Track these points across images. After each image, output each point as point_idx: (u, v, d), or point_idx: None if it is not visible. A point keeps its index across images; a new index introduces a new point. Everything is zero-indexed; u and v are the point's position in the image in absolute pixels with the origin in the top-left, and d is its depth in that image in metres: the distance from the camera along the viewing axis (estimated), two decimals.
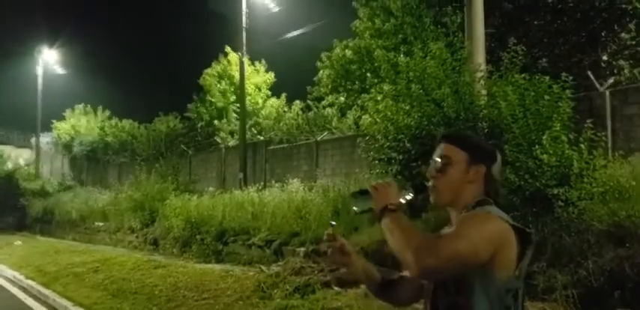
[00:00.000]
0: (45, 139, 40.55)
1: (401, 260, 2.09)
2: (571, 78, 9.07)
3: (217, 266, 13.14)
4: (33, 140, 41.71)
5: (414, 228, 2.16)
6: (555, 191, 7.80)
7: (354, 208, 2.42)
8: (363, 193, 2.39)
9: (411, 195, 2.40)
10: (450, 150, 2.37)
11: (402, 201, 2.35)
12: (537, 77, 9.25)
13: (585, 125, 8.29)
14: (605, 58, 16.31)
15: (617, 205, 7.58)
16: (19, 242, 23.39)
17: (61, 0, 49.63)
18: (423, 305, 2.38)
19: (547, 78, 9.11)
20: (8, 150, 40.98)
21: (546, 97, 8.74)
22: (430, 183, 2.38)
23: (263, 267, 11.49)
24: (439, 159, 2.37)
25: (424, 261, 2.00)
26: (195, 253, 15.20)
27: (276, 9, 24.22)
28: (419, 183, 2.43)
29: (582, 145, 8.04)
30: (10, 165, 37.82)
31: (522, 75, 9.43)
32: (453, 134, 2.54)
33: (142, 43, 47.25)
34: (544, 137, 8.11)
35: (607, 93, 12.00)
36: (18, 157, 40.38)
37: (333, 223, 2.67)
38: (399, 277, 2.57)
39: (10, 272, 15.41)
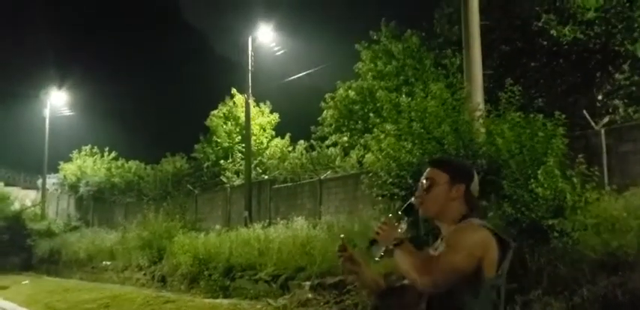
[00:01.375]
0: (51, 180, 40.85)
1: (410, 280, 2.57)
2: (564, 116, 9.53)
3: (225, 301, 13.40)
4: (39, 181, 42.03)
5: (418, 253, 2.61)
6: (550, 222, 8.17)
7: (375, 258, 2.79)
8: (373, 242, 2.78)
9: (405, 224, 2.81)
10: (433, 173, 2.82)
11: (401, 229, 2.77)
12: (533, 115, 9.72)
13: (577, 160, 8.72)
14: (600, 97, 16.81)
15: (609, 236, 7.95)
16: (26, 282, 23.55)
17: (70, 42, 50.54)
18: (420, 305, 2.78)
19: (541, 116, 9.57)
20: (15, 191, 41.24)
21: (540, 134, 9.18)
22: (418, 200, 2.82)
23: (270, 301, 11.77)
24: (424, 181, 2.83)
25: (428, 278, 2.46)
26: (203, 289, 15.45)
27: (281, 52, 24.87)
28: (405, 206, 2.85)
29: (575, 179, 8.45)
30: (16, 206, 38.03)
31: (518, 113, 9.89)
32: (436, 159, 3.06)
33: (148, 85, 47.99)
34: (539, 171, 8.52)
35: (602, 131, 12.42)
36: (24, 198, 40.61)
37: (342, 236, 3.09)
38: (401, 285, 2.97)
39: None
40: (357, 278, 3.05)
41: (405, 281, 2.90)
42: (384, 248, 2.74)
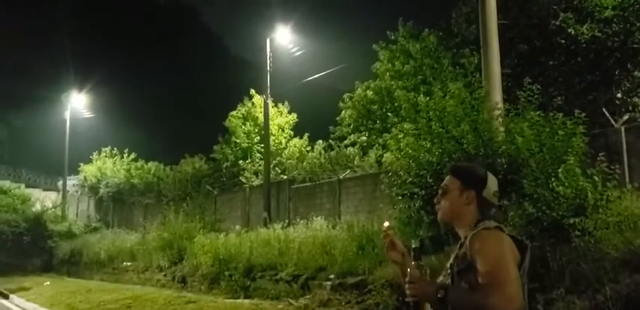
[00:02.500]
0: (71, 182, 41.18)
1: None
2: (584, 114, 9.51)
3: (246, 301, 13.47)
4: (60, 183, 42.38)
5: (464, 289, 2.66)
6: (572, 221, 8.17)
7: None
8: (417, 307, 2.81)
9: (417, 243, 2.95)
10: (448, 180, 2.99)
11: (413, 246, 2.92)
12: (552, 114, 9.71)
13: (598, 159, 8.70)
14: (619, 95, 16.72)
15: (632, 234, 7.93)
16: (47, 283, 23.74)
17: (90, 46, 50.92)
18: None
19: (561, 115, 9.56)
20: (36, 193, 41.62)
21: (560, 133, 9.17)
22: (436, 206, 3.00)
23: (291, 301, 11.82)
24: (441, 188, 3.00)
25: (500, 299, 2.47)
26: (223, 289, 15.53)
27: (299, 52, 24.93)
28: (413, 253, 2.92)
29: (596, 177, 8.43)
30: (38, 208, 38.38)
31: (538, 112, 9.88)
32: (453, 166, 3.15)
33: (168, 86, 48.23)
34: (559, 170, 8.52)
35: (622, 129, 12.38)
36: (45, 200, 40.93)
37: (386, 223, 3.20)
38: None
39: None
40: (400, 269, 3.10)
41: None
42: (429, 305, 2.81)
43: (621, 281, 7.15)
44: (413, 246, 2.91)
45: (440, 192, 2.99)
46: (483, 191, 2.89)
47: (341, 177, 19.34)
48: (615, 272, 7.35)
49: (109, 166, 38.09)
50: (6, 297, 20.50)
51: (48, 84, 45.83)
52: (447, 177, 3.01)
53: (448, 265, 2.90)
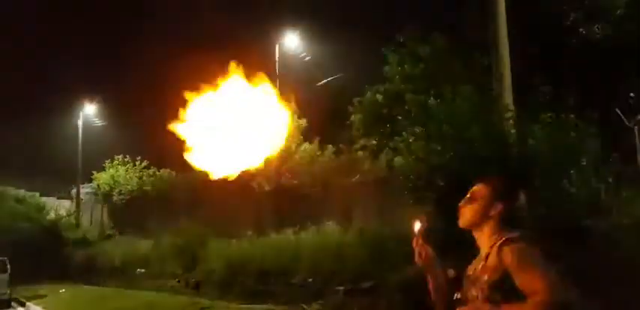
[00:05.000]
0: (85, 190, 41.35)
1: None
2: (596, 115, 9.43)
3: (259, 306, 13.45)
4: (73, 191, 42.57)
5: (515, 304, 2.59)
6: (585, 223, 8.08)
7: None
8: None
9: (419, 223, 3.06)
10: (479, 188, 2.97)
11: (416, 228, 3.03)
12: (564, 115, 9.63)
13: (611, 159, 8.62)
14: (632, 94, 16.57)
15: None
16: (63, 290, 23.82)
17: (101, 54, 51.21)
18: None
19: (573, 116, 9.48)
20: (50, 201, 41.83)
21: (572, 134, 9.10)
22: (460, 210, 2.98)
23: (304, 306, 11.78)
24: (468, 194, 2.97)
25: (550, 298, 2.46)
26: (236, 294, 15.51)
27: (308, 57, 24.94)
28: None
29: (609, 179, 8.35)
30: (52, 216, 38.57)
31: (549, 114, 9.80)
32: (487, 177, 3.10)
33: (178, 94, 48.41)
34: (572, 172, 8.44)
35: (635, 129, 12.26)
36: (59, 208, 41.11)
37: (417, 225, 3.15)
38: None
39: None
40: (428, 274, 3.12)
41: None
42: None
43: (636, 283, 7.07)
44: (450, 277, 2.98)
45: (467, 196, 2.98)
46: (512, 204, 2.91)
47: (352, 181, 19.28)
48: (630, 274, 7.27)
49: (121, 174, 38.17)
50: (22, 305, 20.60)
51: (59, 92, 46.09)
52: (479, 185, 2.99)
53: (470, 273, 2.89)
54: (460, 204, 3.00)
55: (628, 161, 9.80)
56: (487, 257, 2.79)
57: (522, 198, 2.97)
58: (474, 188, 2.99)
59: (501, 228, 2.84)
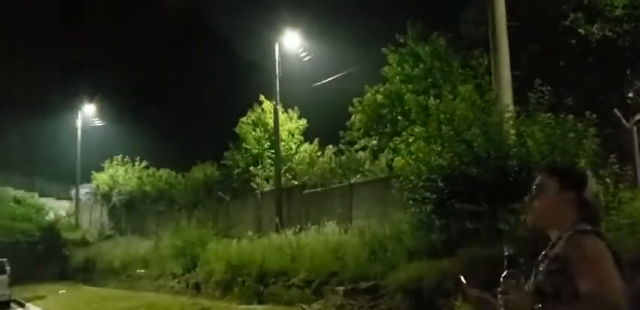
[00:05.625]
0: (84, 190, 41.38)
1: None
2: (595, 116, 9.46)
3: (260, 307, 13.50)
4: (72, 191, 42.60)
5: (569, 301, 2.44)
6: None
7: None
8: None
9: (510, 250, 2.65)
10: (543, 179, 2.74)
11: (506, 254, 2.63)
12: (563, 116, 9.66)
13: (609, 160, 8.64)
14: (630, 95, 16.62)
15: None
16: (63, 291, 23.85)
17: (100, 54, 51.16)
18: None
19: (572, 117, 9.51)
20: (49, 202, 41.84)
21: (571, 135, 9.13)
22: (528, 208, 2.78)
23: (304, 306, 11.80)
24: (534, 187, 2.75)
25: (605, 299, 2.35)
26: (237, 295, 15.54)
27: (308, 57, 24.93)
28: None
29: (608, 179, 8.37)
30: (51, 217, 38.61)
31: (548, 114, 9.83)
32: (548, 165, 2.94)
33: (177, 93, 48.42)
34: None
35: (634, 129, 12.27)
36: (58, 208, 41.16)
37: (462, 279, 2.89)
38: None
39: None
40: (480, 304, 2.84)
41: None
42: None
43: (633, 284, 7.07)
44: (506, 254, 2.63)
45: (533, 192, 2.75)
46: (584, 191, 2.66)
47: (352, 181, 19.29)
48: (627, 274, 7.28)
49: (120, 174, 38.23)
50: (22, 306, 20.61)
51: (58, 93, 46.07)
52: (541, 177, 2.76)
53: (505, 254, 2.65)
54: (527, 202, 2.80)
55: (626, 161, 9.81)
56: (552, 246, 2.65)
57: (592, 182, 2.70)
58: (540, 180, 2.76)
59: (575, 217, 2.62)
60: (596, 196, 2.71)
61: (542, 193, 2.71)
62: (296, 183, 23.67)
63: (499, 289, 2.55)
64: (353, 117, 24.19)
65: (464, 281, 2.87)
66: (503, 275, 2.57)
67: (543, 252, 2.66)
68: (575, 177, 2.71)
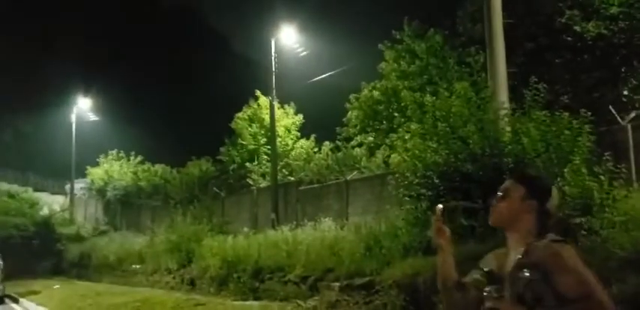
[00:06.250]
0: (79, 185, 41.34)
1: None
2: (590, 113, 9.50)
3: (255, 303, 13.49)
4: (67, 186, 42.55)
5: None
6: (578, 220, 8.14)
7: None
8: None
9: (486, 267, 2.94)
10: (511, 185, 2.93)
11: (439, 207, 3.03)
12: (558, 113, 9.70)
13: (604, 158, 8.68)
14: (626, 92, 16.68)
15: (638, 233, 7.89)
16: (57, 286, 23.81)
17: (95, 49, 51.07)
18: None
19: (567, 114, 9.54)
20: (44, 196, 41.82)
21: (566, 132, 9.16)
22: (492, 207, 2.94)
23: (300, 302, 11.83)
24: (501, 190, 2.93)
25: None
26: (232, 291, 15.55)
27: (305, 53, 24.93)
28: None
29: (602, 177, 8.42)
30: (46, 211, 38.56)
31: (544, 112, 9.86)
32: (520, 173, 3.09)
33: (173, 88, 48.33)
34: (566, 170, 8.51)
35: (629, 126, 12.33)
36: (53, 203, 41.11)
37: (440, 206, 3.14)
38: (465, 282, 3.03)
39: None
40: (442, 255, 3.10)
41: (467, 279, 3.02)
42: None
43: (628, 282, 7.12)
44: (486, 270, 2.94)
45: (499, 194, 2.93)
46: (547, 203, 2.85)
47: (348, 178, 19.33)
48: (622, 272, 7.32)
49: (115, 169, 38.22)
50: (16, 301, 20.58)
51: (53, 88, 45.97)
52: (510, 182, 2.95)
53: (484, 271, 2.90)
54: (493, 203, 2.95)
55: (621, 159, 9.86)
56: (524, 255, 2.76)
57: (556, 195, 2.90)
58: (507, 185, 2.94)
59: (536, 225, 2.81)
60: (559, 208, 2.87)
61: (507, 197, 2.89)
62: (292, 179, 23.71)
63: (487, 305, 2.74)
64: (349, 113, 24.24)
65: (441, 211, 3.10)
66: (486, 292, 2.78)
67: (514, 262, 2.78)
68: (540, 188, 2.89)
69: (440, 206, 3.13)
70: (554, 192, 2.90)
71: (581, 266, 2.60)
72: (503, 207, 2.88)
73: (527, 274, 2.67)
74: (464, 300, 2.99)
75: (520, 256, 2.76)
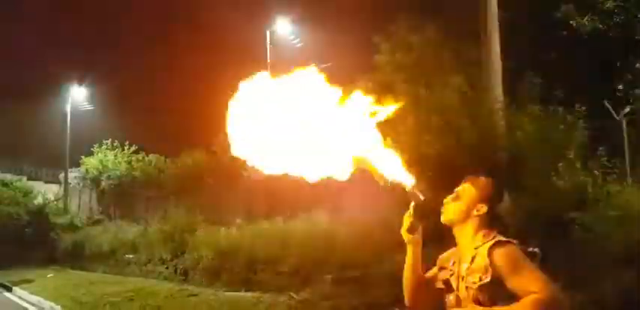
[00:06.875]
0: (73, 174, 41.23)
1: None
2: (584, 108, 9.52)
3: (248, 294, 13.52)
4: (61, 176, 42.45)
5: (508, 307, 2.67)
6: (571, 215, 8.18)
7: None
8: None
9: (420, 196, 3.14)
10: (465, 188, 3.06)
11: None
12: (552, 108, 9.72)
13: (598, 153, 8.71)
14: (620, 87, 16.67)
15: (632, 228, 7.93)
16: (50, 275, 23.81)
17: (90, 38, 50.96)
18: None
19: (561, 109, 9.56)
20: (38, 185, 41.72)
21: (561, 127, 9.19)
22: (443, 206, 3.09)
23: (292, 294, 11.86)
24: (456, 191, 3.08)
25: (544, 299, 2.56)
26: (225, 282, 15.55)
27: (299, 44, 24.90)
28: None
29: (596, 172, 8.45)
30: (39, 200, 38.46)
31: (538, 106, 9.88)
32: (472, 176, 3.11)
33: (168, 78, 48.30)
34: (560, 164, 8.53)
35: (624, 121, 12.34)
36: (47, 192, 40.98)
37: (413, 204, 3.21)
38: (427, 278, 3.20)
39: (47, 304, 15.84)
40: (410, 249, 3.25)
41: (428, 274, 3.21)
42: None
43: (621, 277, 7.16)
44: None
45: (453, 194, 3.06)
46: (496, 206, 2.97)
47: None
48: (615, 268, 7.36)
49: (110, 158, 38.09)
50: (9, 290, 20.59)
51: (47, 76, 45.84)
52: (465, 185, 3.05)
53: (448, 275, 3.00)
54: (445, 201, 3.07)
55: (615, 154, 9.88)
56: (473, 259, 2.85)
57: (507, 199, 3.00)
58: (461, 187, 3.05)
59: (484, 227, 2.91)
60: (509, 211, 2.96)
61: (460, 197, 3.03)
62: None
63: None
64: None
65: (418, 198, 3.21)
66: (448, 300, 3.02)
67: (465, 265, 2.90)
68: (492, 193, 3.01)
69: (412, 203, 3.23)
70: (506, 196, 3.07)
71: (531, 264, 2.70)
72: (454, 207, 3.02)
73: (479, 279, 2.77)
74: (429, 294, 3.16)
75: (468, 263, 2.87)
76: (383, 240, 11.45)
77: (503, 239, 2.81)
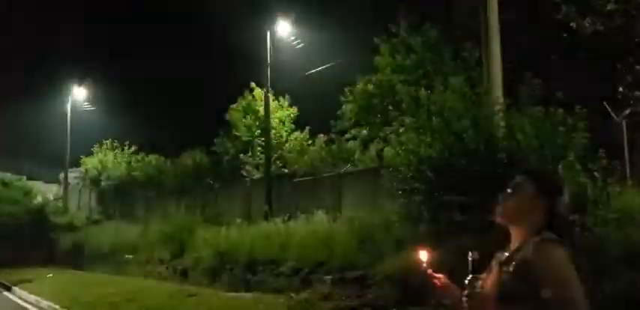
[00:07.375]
0: (73, 174, 41.23)
1: None
2: (585, 110, 9.52)
3: (247, 294, 13.53)
4: (61, 175, 42.43)
5: None
6: (571, 217, 8.17)
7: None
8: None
9: (475, 255, 2.78)
10: (522, 181, 2.81)
11: (471, 258, 2.77)
12: (553, 110, 9.72)
13: (598, 154, 8.72)
14: (621, 89, 16.69)
15: (632, 230, 7.94)
16: (50, 275, 23.79)
17: (91, 38, 50.96)
18: None
19: (561, 110, 9.57)
20: (38, 185, 41.68)
21: (561, 128, 9.19)
22: (499, 205, 2.83)
23: (292, 295, 11.87)
24: (512, 186, 2.83)
25: None
26: (224, 282, 15.58)
27: (300, 45, 24.89)
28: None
29: (596, 173, 8.45)
30: (39, 200, 38.45)
31: (538, 108, 9.88)
32: (532, 170, 2.98)
33: (168, 79, 48.24)
34: (560, 166, 8.53)
35: (624, 123, 12.36)
36: (47, 192, 40.98)
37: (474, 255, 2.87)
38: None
39: (46, 303, 15.82)
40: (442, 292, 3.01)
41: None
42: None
43: (620, 279, 7.17)
44: (471, 258, 2.76)
45: (509, 190, 2.82)
46: (557, 202, 2.75)
47: (342, 171, 19.36)
48: (614, 269, 7.37)
49: (110, 159, 38.16)
50: (8, 289, 20.59)
51: (48, 76, 45.86)
52: (521, 178, 2.84)
53: (495, 263, 2.81)
54: (500, 199, 2.84)
55: (616, 156, 9.89)
56: (518, 249, 2.72)
57: (567, 196, 2.79)
58: (518, 181, 2.84)
59: (542, 226, 2.70)
60: (567, 208, 2.79)
61: (517, 194, 2.78)
62: (286, 171, 23.72)
63: (465, 292, 2.67)
64: (344, 106, 24.19)
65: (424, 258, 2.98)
66: (468, 279, 2.70)
67: (507, 254, 2.75)
68: (552, 187, 2.79)
69: (426, 255, 3.00)
70: (566, 190, 2.80)
71: (567, 270, 2.55)
72: (512, 204, 2.78)
73: (512, 269, 2.63)
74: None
75: (512, 250, 2.72)
76: (383, 241, 11.48)
77: (553, 237, 2.63)
